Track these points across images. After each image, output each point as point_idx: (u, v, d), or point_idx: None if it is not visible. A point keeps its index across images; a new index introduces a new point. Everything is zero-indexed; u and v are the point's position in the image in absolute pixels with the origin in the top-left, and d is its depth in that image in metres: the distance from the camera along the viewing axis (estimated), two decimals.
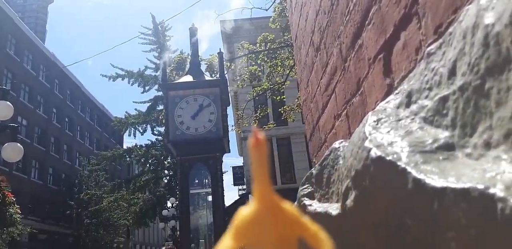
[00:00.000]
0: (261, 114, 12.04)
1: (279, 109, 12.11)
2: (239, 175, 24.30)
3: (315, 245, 0.34)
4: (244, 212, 0.34)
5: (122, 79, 20.73)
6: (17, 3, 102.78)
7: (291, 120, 11.99)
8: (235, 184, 26.07)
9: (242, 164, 24.39)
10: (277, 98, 12.23)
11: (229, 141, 9.29)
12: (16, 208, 9.41)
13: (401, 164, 0.55)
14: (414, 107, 0.68)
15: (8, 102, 6.70)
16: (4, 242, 15.08)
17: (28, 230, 17.56)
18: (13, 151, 6.78)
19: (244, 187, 24.39)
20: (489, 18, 0.49)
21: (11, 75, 28.06)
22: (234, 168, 25.59)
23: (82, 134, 38.03)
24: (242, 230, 0.33)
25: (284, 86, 11.73)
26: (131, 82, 20.74)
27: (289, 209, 0.34)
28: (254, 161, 0.33)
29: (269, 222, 0.33)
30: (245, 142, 20.92)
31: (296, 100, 10.53)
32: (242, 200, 24.09)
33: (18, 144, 6.82)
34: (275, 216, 0.33)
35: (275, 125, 14.21)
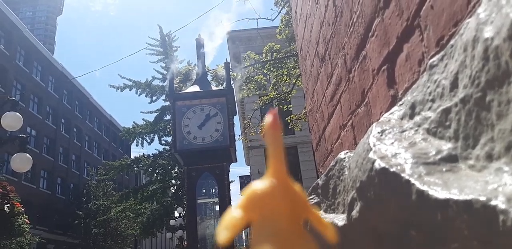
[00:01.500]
0: None
1: (286, 118, 12.12)
2: (246, 185, 24.18)
3: (320, 227, 0.35)
4: (257, 185, 0.34)
5: (130, 90, 20.89)
6: (26, 15, 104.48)
7: (298, 129, 11.98)
8: (242, 194, 25.90)
9: (249, 173, 24.34)
10: (284, 107, 12.24)
11: (236, 150, 9.30)
12: (25, 218, 9.44)
13: (405, 175, 0.55)
14: (417, 118, 0.69)
15: (17, 113, 6.78)
16: None
17: (37, 240, 17.59)
18: (22, 162, 6.83)
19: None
20: (488, 32, 0.50)
21: (20, 86, 28.40)
22: (241, 177, 25.55)
23: (90, 144, 38.25)
24: (255, 202, 0.33)
25: (290, 95, 11.75)
26: (138, 93, 20.90)
27: (299, 191, 0.34)
28: (271, 141, 0.34)
29: (283, 197, 0.33)
30: (252, 151, 20.91)
31: (303, 109, 10.53)
32: None
33: (27, 155, 6.88)
34: (288, 193, 0.33)
35: (281, 134, 14.17)
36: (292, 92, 11.55)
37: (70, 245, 29.72)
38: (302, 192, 0.35)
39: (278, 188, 0.33)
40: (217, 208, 9.04)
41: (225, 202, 8.20)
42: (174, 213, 20.68)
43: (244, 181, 24.71)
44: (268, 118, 0.33)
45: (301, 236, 0.32)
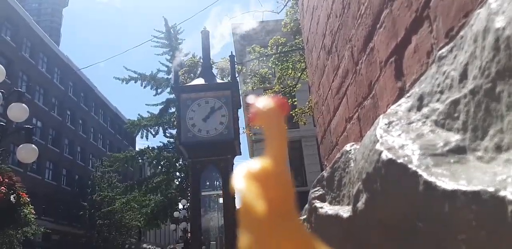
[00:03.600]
0: None
1: (291, 112, 12.10)
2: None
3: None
4: (255, 164, 0.33)
5: (135, 82, 20.92)
6: (32, 6, 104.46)
7: (303, 123, 11.96)
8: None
9: None
10: (289, 101, 12.21)
11: (240, 143, 9.31)
12: (31, 208, 9.52)
13: (412, 166, 0.55)
14: (425, 110, 0.69)
15: (23, 104, 6.80)
16: (19, 242, 15.28)
17: (42, 230, 17.77)
18: (28, 152, 6.88)
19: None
20: (499, 22, 0.49)
21: (26, 77, 28.50)
22: None
23: (96, 136, 38.43)
24: (251, 178, 0.32)
25: (295, 89, 11.72)
26: (143, 85, 20.92)
27: (290, 179, 0.34)
28: (275, 128, 0.32)
29: (274, 180, 0.32)
30: (257, 145, 20.93)
31: (307, 103, 10.51)
32: None
33: (33, 146, 6.92)
34: (281, 177, 0.33)
35: (286, 127, 14.17)
36: (297, 86, 11.51)
37: (75, 236, 30.01)
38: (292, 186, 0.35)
39: (274, 169, 0.32)
40: (221, 200, 9.08)
41: (229, 195, 8.23)
42: (178, 205, 20.80)
43: None
44: (276, 101, 0.32)
45: (291, 215, 0.32)
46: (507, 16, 0.48)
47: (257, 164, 0.33)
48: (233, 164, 8.52)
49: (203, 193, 9.07)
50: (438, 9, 0.74)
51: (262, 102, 0.33)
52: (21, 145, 6.92)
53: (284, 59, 10.97)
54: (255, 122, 0.33)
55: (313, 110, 2.34)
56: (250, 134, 14.82)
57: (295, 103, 12.38)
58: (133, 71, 20.89)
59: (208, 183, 10.00)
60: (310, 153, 19.59)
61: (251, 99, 0.33)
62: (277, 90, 11.69)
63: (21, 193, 8.98)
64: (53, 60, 32.30)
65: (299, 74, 10.77)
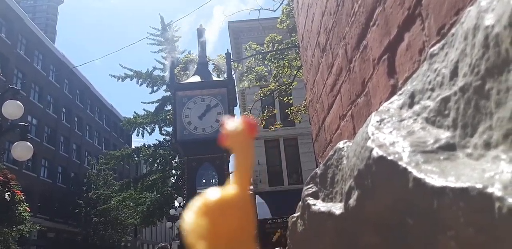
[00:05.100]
0: (268, 115, 12.04)
1: (286, 110, 12.10)
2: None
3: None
4: (215, 194, 0.33)
5: (131, 80, 20.84)
6: (27, 3, 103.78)
7: (298, 121, 11.97)
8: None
9: None
10: (285, 99, 12.22)
11: None
12: (26, 206, 9.50)
13: (402, 163, 0.55)
14: (416, 107, 0.69)
15: (18, 102, 6.77)
16: (14, 240, 15.23)
17: (37, 228, 17.72)
18: (23, 150, 6.85)
19: (251, 187, 24.39)
20: (489, 20, 0.49)
21: (21, 75, 28.35)
22: None
23: (91, 134, 38.32)
24: (213, 209, 0.32)
25: (291, 87, 11.72)
26: (139, 83, 20.85)
27: (252, 208, 0.34)
28: (242, 149, 0.33)
29: (237, 211, 0.32)
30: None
31: (304, 101, 10.52)
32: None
33: (28, 143, 6.89)
34: (243, 208, 0.33)
35: (282, 125, 14.20)
36: (293, 84, 11.52)
37: (70, 234, 29.95)
38: (252, 208, 0.35)
39: (237, 200, 0.33)
40: None
41: None
42: (174, 202, 20.80)
43: None
44: (245, 123, 0.32)
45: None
46: (496, 13, 0.48)
47: (213, 196, 0.33)
48: (229, 162, 8.53)
49: (199, 191, 9.07)
50: (430, 6, 0.74)
51: (232, 123, 0.33)
52: (16, 143, 6.89)
53: (280, 57, 10.97)
54: (224, 143, 0.34)
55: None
56: None
57: (291, 101, 12.39)
58: (129, 68, 20.83)
59: (204, 181, 10.01)
60: (306, 151, 19.62)
61: (223, 119, 0.33)
62: (273, 88, 11.69)
63: (16, 191, 8.95)
64: (48, 57, 32.13)
65: (295, 72, 10.78)
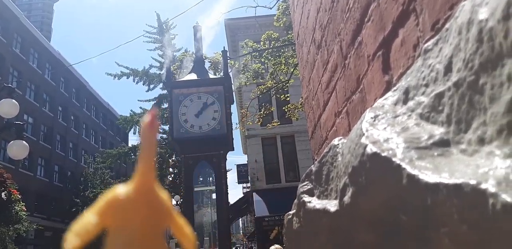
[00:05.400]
0: (265, 112, 12.04)
1: (283, 108, 12.10)
2: (243, 173, 24.34)
3: (179, 237, 0.35)
4: (119, 191, 0.33)
5: (127, 78, 20.82)
6: (23, 1, 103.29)
7: (295, 118, 11.97)
8: (239, 182, 26.14)
9: (246, 162, 24.44)
10: (281, 97, 12.21)
11: (233, 139, 9.30)
12: (22, 205, 9.48)
13: (396, 160, 0.55)
14: (411, 103, 0.68)
15: (13, 100, 6.74)
16: (11, 239, 15.20)
17: (34, 227, 17.69)
18: (19, 149, 6.83)
19: (249, 185, 24.44)
20: (483, 14, 0.49)
21: (17, 73, 28.22)
22: (238, 166, 25.65)
23: (88, 132, 38.22)
24: (111, 209, 0.32)
25: (288, 85, 11.71)
26: (136, 81, 20.83)
27: (163, 198, 0.34)
28: (145, 142, 0.33)
29: (140, 207, 0.32)
30: (250, 140, 20.94)
31: (301, 98, 10.52)
32: (246, 198, 24.13)
33: (24, 142, 6.87)
34: (149, 202, 0.32)
35: (279, 123, 14.21)
36: (290, 81, 11.51)
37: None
38: (167, 199, 0.34)
39: (137, 198, 0.32)
40: (214, 196, 9.09)
41: (221, 191, 8.24)
42: (171, 201, 20.82)
43: (241, 169, 24.80)
44: (146, 118, 0.33)
45: (156, 246, 0.32)
46: (490, 7, 0.48)
47: (116, 193, 0.33)
48: (226, 159, 8.52)
49: (196, 189, 9.07)
50: (424, 1, 0.73)
51: (145, 118, 0.34)
52: (12, 142, 6.87)
53: (277, 54, 10.96)
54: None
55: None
56: (243, 130, 14.81)
57: (288, 98, 12.38)
58: (125, 66, 20.79)
59: (201, 179, 10.00)
60: (303, 148, 19.64)
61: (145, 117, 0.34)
62: (270, 85, 11.68)
63: (12, 190, 8.92)
64: (44, 55, 31.99)
65: (292, 70, 10.77)
